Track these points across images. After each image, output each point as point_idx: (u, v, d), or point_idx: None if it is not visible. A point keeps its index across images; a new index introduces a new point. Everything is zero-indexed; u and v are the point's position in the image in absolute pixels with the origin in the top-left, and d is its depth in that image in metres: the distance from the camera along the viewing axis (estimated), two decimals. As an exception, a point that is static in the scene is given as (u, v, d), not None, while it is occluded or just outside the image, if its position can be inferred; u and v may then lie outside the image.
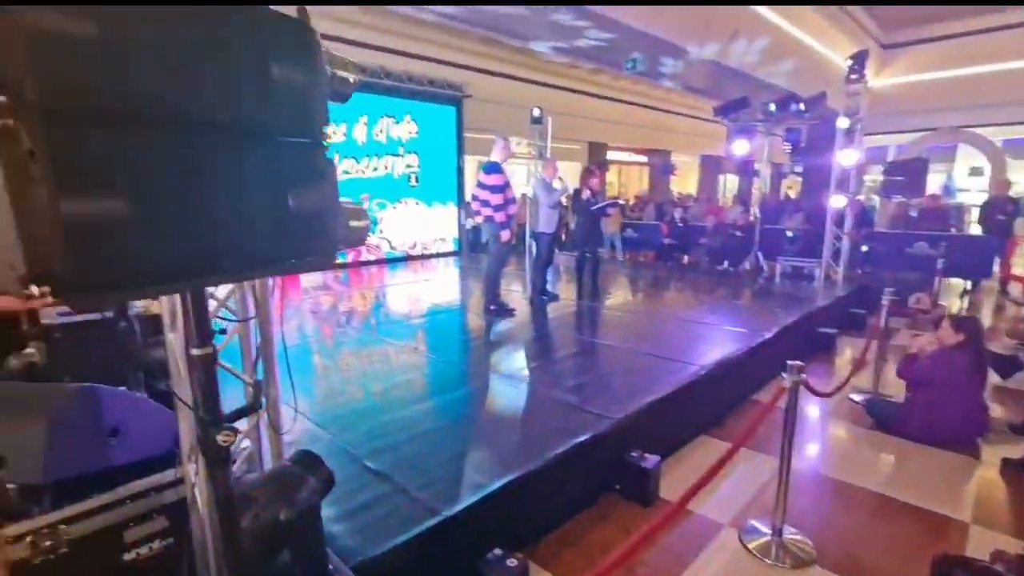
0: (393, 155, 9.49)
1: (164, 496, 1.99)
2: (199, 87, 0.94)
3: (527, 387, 3.63)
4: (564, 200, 6.22)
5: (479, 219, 5.44)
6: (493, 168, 5.33)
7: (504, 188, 5.29)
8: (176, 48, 0.90)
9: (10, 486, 1.62)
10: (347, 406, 3.31)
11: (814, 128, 8.91)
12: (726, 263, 9.47)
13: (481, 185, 5.44)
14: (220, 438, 1.06)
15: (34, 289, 0.78)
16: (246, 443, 2.10)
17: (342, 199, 2.02)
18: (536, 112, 10.79)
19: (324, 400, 3.42)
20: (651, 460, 2.95)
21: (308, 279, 7.99)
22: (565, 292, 6.86)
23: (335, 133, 8.63)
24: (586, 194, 6.38)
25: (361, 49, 9.20)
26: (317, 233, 1.24)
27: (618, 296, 7.03)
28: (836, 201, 7.16)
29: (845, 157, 7.09)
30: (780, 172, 20.42)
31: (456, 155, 10.58)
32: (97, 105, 0.82)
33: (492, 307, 5.59)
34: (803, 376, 2.48)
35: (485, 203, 5.34)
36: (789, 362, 2.52)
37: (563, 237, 11.36)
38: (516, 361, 4.25)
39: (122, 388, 2.09)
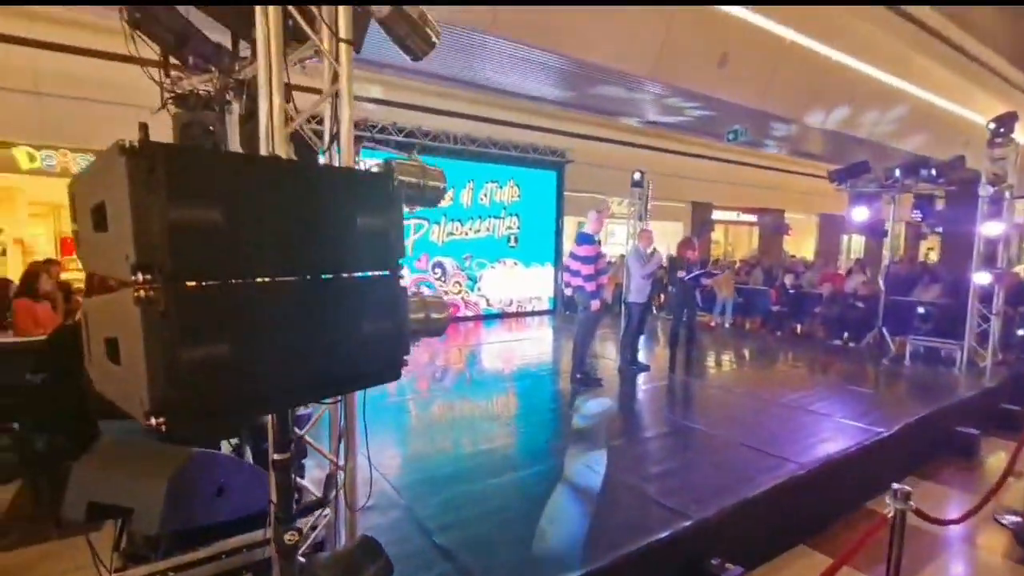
0: (496, 217, 10.00)
1: (254, 554, 2.22)
2: (301, 251, 1.15)
3: (604, 469, 3.54)
4: (663, 264, 6.13)
5: (569, 291, 5.54)
6: (585, 239, 5.43)
7: (595, 259, 5.36)
8: (282, 223, 1.11)
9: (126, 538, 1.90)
10: (426, 472, 3.45)
11: (954, 190, 8.02)
12: (845, 336, 8.61)
13: (573, 256, 5.56)
14: (287, 537, 1.20)
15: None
16: (328, 511, 2.29)
17: (426, 291, 2.22)
18: (637, 176, 10.92)
19: (406, 463, 3.59)
20: (733, 572, 2.72)
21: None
22: (659, 362, 6.64)
23: (444, 198, 9.30)
24: (682, 265, 6.23)
25: (472, 122, 9.97)
26: (387, 352, 1.40)
27: (716, 369, 6.66)
28: (980, 278, 6.30)
29: (990, 229, 6.28)
30: (918, 232, 18.41)
31: (555, 217, 10.89)
32: (217, 274, 1.03)
33: (579, 375, 5.56)
34: (911, 504, 2.19)
35: (576, 273, 5.44)
36: (896, 485, 2.24)
37: (661, 301, 11.07)
38: (596, 438, 4.17)
39: (230, 454, 2.38)
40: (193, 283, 1.00)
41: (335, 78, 1.95)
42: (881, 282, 7.71)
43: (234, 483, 2.21)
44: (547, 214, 10.79)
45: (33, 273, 4.77)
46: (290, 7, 1.85)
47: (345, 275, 1.26)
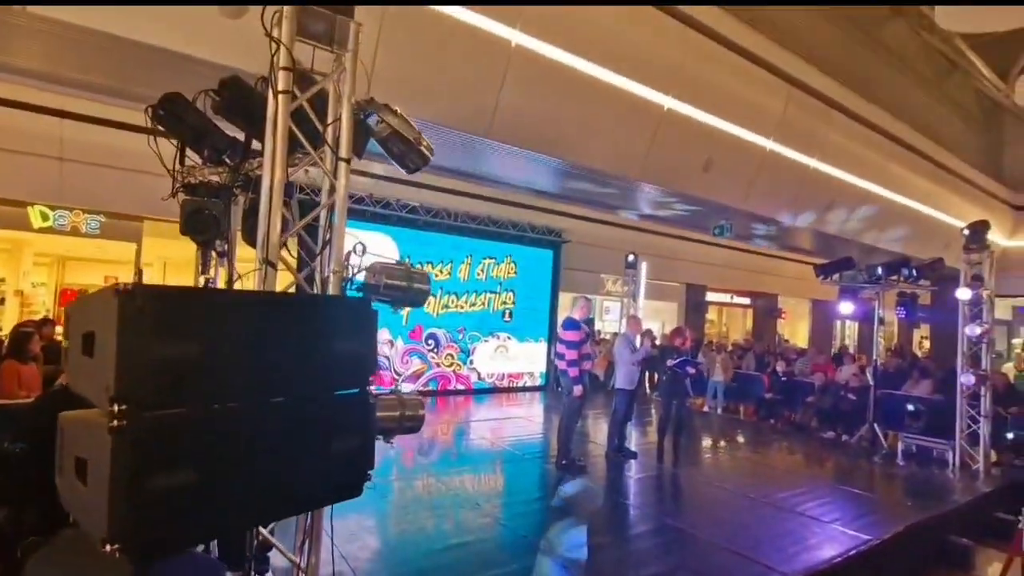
0: (491, 292, 10.15)
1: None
2: (278, 377, 1.22)
3: (584, 571, 3.42)
4: (651, 352, 6.18)
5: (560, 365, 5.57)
6: (571, 325, 5.52)
7: (580, 344, 5.42)
8: (261, 352, 1.19)
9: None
10: (398, 566, 3.33)
11: (936, 289, 8.22)
12: (838, 429, 8.51)
13: (559, 340, 5.62)
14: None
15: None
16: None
17: (404, 392, 2.25)
18: (631, 258, 11.25)
19: (377, 555, 3.47)
20: None
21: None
22: (647, 449, 6.54)
23: (441, 272, 9.51)
24: (672, 354, 6.27)
25: (472, 200, 10.36)
26: (352, 469, 1.43)
27: (706, 460, 6.54)
28: (965, 379, 6.34)
29: (971, 330, 6.40)
30: (912, 320, 18.58)
31: (551, 294, 11.05)
32: (191, 403, 1.10)
33: (563, 462, 5.47)
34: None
35: (560, 356, 5.48)
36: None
37: (654, 381, 11.00)
38: (575, 536, 4.04)
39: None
40: (165, 411, 1.06)
41: (332, 191, 2.10)
42: (870, 377, 7.72)
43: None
44: (543, 291, 10.95)
45: (23, 335, 4.80)
46: (294, 128, 2.03)
47: (319, 397, 1.32)
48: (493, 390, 10.15)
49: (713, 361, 10.63)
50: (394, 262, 2.36)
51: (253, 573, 2.06)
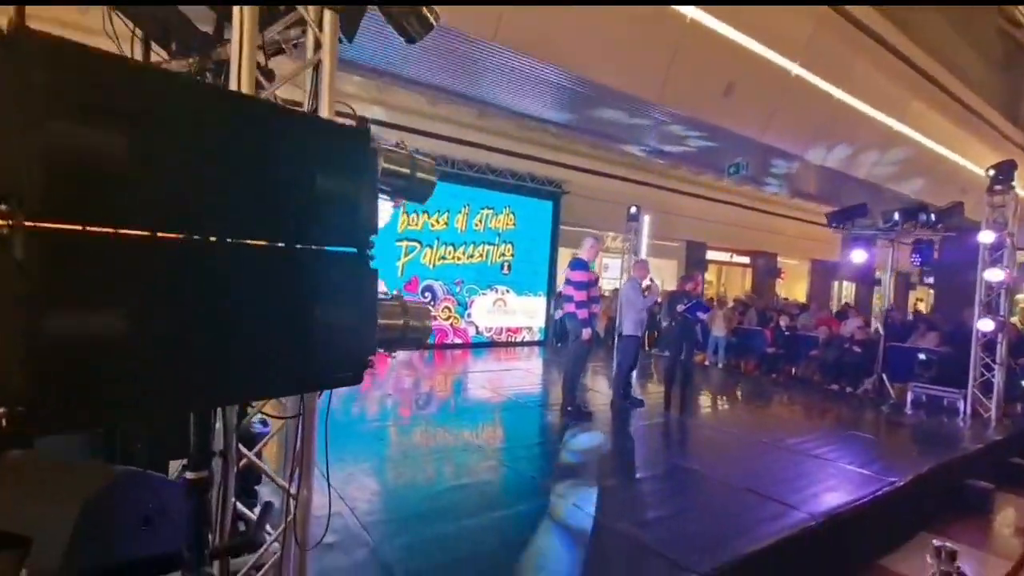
0: (490, 244, 9.80)
1: (184, 598, 1.86)
2: (233, 205, 0.89)
3: (595, 512, 3.21)
4: (659, 300, 5.89)
5: (559, 314, 5.27)
6: (579, 265, 5.22)
7: (588, 286, 5.13)
8: (211, 164, 0.85)
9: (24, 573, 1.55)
10: (397, 509, 3.10)
11: (949, 239, 7.96)
12: (842, 383, 8.38)
13: (567, 281, 5.33)
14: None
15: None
16: (276, 547, 1.95)
17: (409, 298, 1.93)
18: (633, 210, 10.82)
19: (376, 496, 3.24)
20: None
21: (395, 356, 8.15)
22: (652, 400, 6.34)
23: (438, 222, 9.12)
24: (682, 299, 5.99)
25: (471, 148, 9.90)
26: (347, 347, 1.12)
27: (713, 409, 6.37)
28: (984, 324, 6.13)
29: (991, 275, 6.15)
30: (908, 283, 18.43)
31: (550, 247, 10.71)
32: (110, 218, 0.76)
33: (569, 408, 5.25)
34: (958, 566, 1.89)
35: (568, 298, 5.21)
36: (936, 542, 1.95)
37: (655, 337, 10.81)
38: (585, 478, 3.84)
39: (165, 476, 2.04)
40: (73, 226, 0.73)
41: (317, 47, 1.73)
42: (880, 327, 7.52)
43: (169, 511, 1.87)
44: (542, 244, 10.61)
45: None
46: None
47: (297, 245, 1.00)
48: (491, 344, 9.92)
49: (714, 316, 10.43)
50: (394, 143, 1.99)
51: (234, 501, 1.77)
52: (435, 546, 2.68)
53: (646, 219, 11.00)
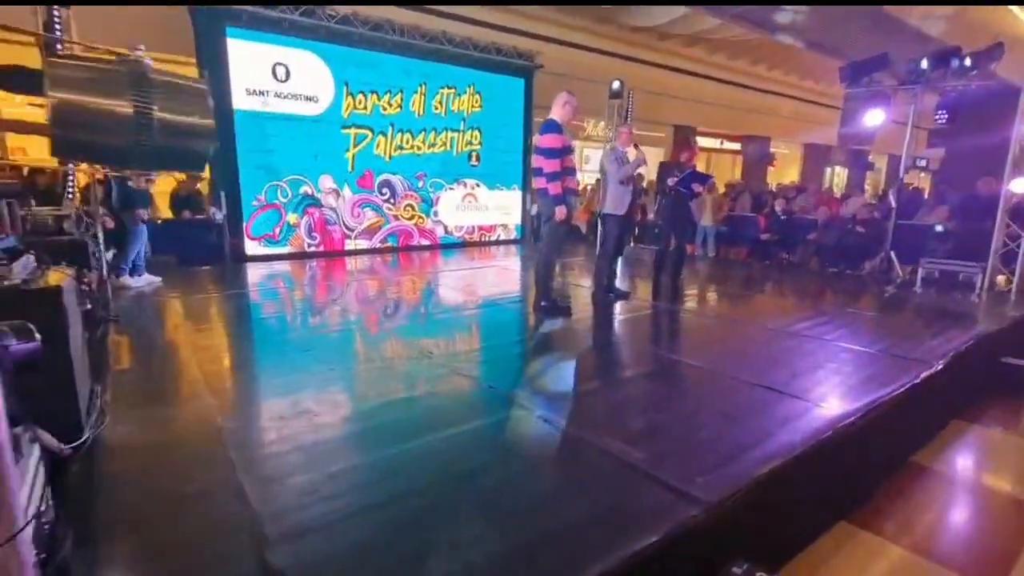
0: (454, 130, 8.54)
1: None
2: None
3: (568, 424, 2.45)
4: (642, 172, 4.90)
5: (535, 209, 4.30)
6: (549, 127, 4.18)
7: (561, 153, 4.12)
8: None
9: None
10: (315, 433, 2.31)
11: (964, 97, 6.87)
12: (842, 266, 7.70)
13: (535, 149, 4.31)
14: None
15: None
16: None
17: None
18: (616, 85, 9.50)
19: (292, 423, 2.43)
20: (769, 587, 1.68)
21: (354, 262, 7.31)
22: (640, 291, 5.58)
23: (389, 105, 7.79)
24: (671, 179, 5.00)
25: (422, 13, 8.32)
26: None
27: (706, 299, 5.63)
28: (1018, 186, 5.27)
29: (1033, 127, 5.19)
30: (900, 164, 17.54)
31: (523, 134, 9.46)
32: None
33: (544, 303, 4.44)
34: None
35: (538, 171, 4.21)
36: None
37: (639, 220, 9.92)
38: (561, 381, 3.08)
39: None
40: None
41: None
42: (893, 199, 6.66)
43: None
44: (514, 129, 9.34)
45: None
46: None
47: None
48: (463, 245, 9.00)
49: (703, 204, 9.51)
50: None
51: None
52: (353, 481, 1.90)
53: (632, 96, 9.75)
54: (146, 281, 5.46)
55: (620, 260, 5.18)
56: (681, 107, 13.42)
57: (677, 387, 3.03)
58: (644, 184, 4.96)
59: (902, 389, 2.88)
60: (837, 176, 19.79)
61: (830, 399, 2.74)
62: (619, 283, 5.28)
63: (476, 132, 8.77)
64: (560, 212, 4.16)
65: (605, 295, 5.00)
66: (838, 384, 2.97)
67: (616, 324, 4.41)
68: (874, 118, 6.20)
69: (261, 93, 6.78)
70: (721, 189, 11.17)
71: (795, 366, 3.26)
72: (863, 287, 6.36)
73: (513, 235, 9.71)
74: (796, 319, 4.43)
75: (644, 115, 11.66)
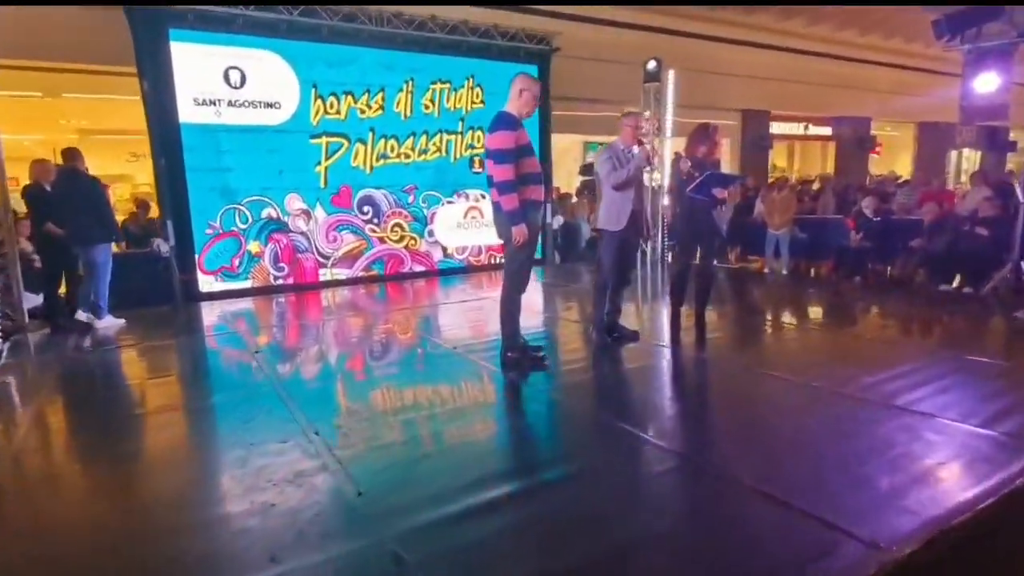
0: (450, 132, 8.22)
1: None
2: None
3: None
4: (649, 162, 4.30)
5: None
6: (500, 123, 3.71)
7: (517, 155, 3.60)
8: None
9: None
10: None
11: None
12: (959, 280, 6.65)
13: (485, 152, 3.83)
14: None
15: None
16: None
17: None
18: (651, 66, 8.88)
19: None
20: None
21: (331, 296, 7.19)
22: (653, 329, 4.91)
23: (368, 107, 7.55)
24: (686, 167, 4.33)
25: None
26: None
27: (750, 339, 4.85)
28: None
29: None
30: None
31: (539, 131, 8.91)
32: None
33: (509, 353, 3.89)
34: None
35: (489, 180, 3.71)
36: None
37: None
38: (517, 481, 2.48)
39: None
40: None
41: None
42: (1022, 190, 5.63)
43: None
44: (527, 126, 8.84)
45: None
46: None
47: None
48: (465, 270, 8.58)
49: (770, 204, 8.68)
50: None
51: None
52: None
53: (672, 76, 9.06)
54: (110, 323, 5.57)
55: (625, 288, 4.54)
56: (748, 87, 12.58)
57: (650, 488, 2.37)
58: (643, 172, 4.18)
59: (995, 501, 2.09)
60: (967, 161, 17.91)
61: (877, 525, 2.00)
62: (624, 319, 4.61)
63: (478, 133, 8.39)
64: (518, 233, 3.63)
65: (601, 336, 4.37)
66: (902, 496, 2.22)
67: (613, 384, 3.77)
68: (985, 83, 5.26)
69: (212, 103, 6.70)
70: (792, 182, 10.19)
71: (837, 459, 2.51)
72: (985, 313, 5.35)
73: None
74: (867, 369, 3.61)
75: (698, 100, 10.93)
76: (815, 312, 6.07)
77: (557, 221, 9.22)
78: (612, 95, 9.70)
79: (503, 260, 4.06)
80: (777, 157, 16.01)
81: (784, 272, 8.58)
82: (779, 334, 5.05)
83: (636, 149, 4.26)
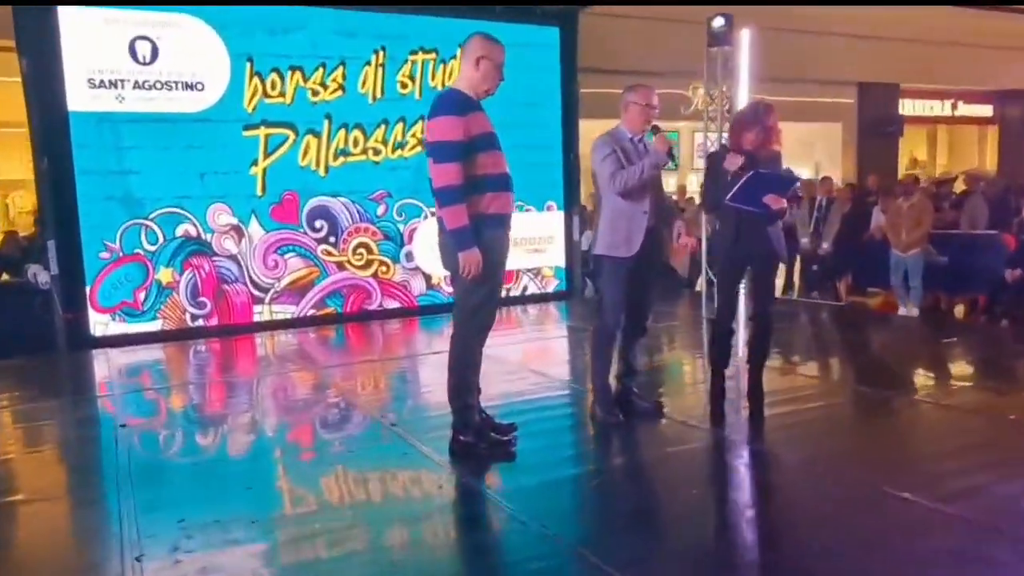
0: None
1: None
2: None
3: None
4: (666, 159, 4.02)
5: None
6: (443, 105, 3.56)
7: (465, 150, 3.42)
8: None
9: None
10: None
11: None
12: None
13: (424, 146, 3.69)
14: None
15: None
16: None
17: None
18: (718, 23, 8.71)
19: None
20: None
21: (270, 343, 7.22)
22: (684, 398, 4.69)
23: (323, 88, 7.59)
24: (733, 165, 3.99)
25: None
26: None
27: (859, 423, 4.45)
28: None
29: None
30: None
31: (561, 120, 8.99)
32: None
33: (462, 437, 3.62)
34: None
35: (430, 186, 3.53)
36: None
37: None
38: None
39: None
40: None
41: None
42: None
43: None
44: (546, 111, 8.86)
45: None
46: None
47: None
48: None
49: (896, 214, 8.37)
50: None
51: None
52: None
53: (747, 37, 8.86)
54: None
55: (641, 340, 4.25)
56: (868, 51, 12.38)
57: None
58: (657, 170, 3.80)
59: None
60: None
61: None
62: (636, 383, 4.31)
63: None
64: (467, 261, 3.38)
65: (609, 412, 4.05)
66: None
67: (609, 496, 3.42)
68: None
69: (113, 84, 6.81)
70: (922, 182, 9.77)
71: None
72: None
73: (552, 286, 9.18)
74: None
75: (788, 70, 10.73)
76: (961, 377, 5.62)
77: (586, 239, 9.03)
78: (662, 65, 9.64)
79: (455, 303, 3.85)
80: (914, 146, 15.65)
81: (914, 312, 8.22)
82: (902, 415, 4.58)
83: (650, 138, 4.01)
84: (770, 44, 9.20)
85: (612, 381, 4.19)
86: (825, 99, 12.84)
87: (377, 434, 4.28)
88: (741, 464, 3.75)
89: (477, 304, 3.59)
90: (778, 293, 10.03)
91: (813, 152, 14.10)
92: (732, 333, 4.28)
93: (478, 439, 3.62)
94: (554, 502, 3.22)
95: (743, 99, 9.06)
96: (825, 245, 9.18)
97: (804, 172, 12.73)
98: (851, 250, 9.21)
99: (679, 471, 3.60)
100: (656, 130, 3.98)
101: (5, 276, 6.99)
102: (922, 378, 5.59)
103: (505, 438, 3.69)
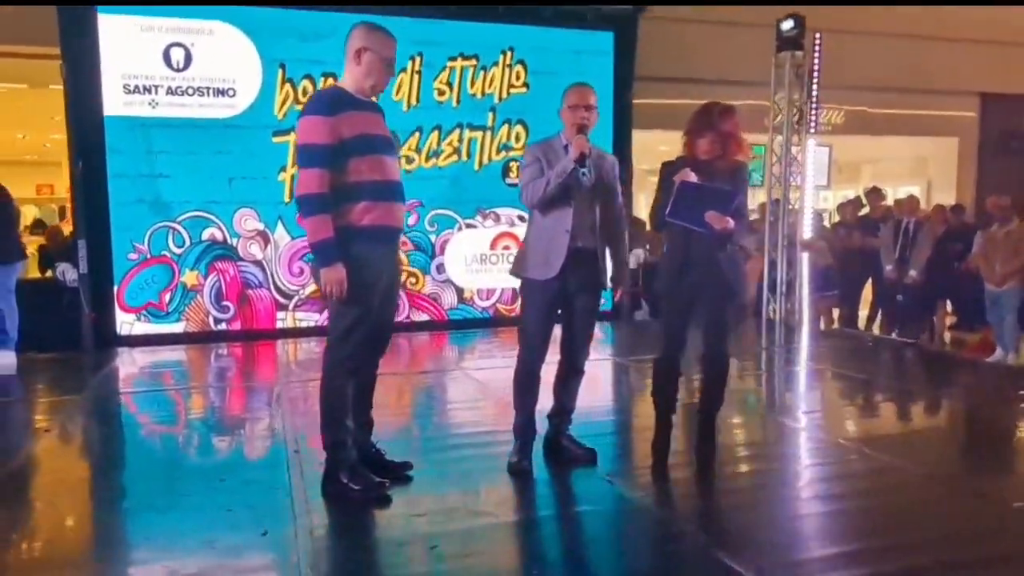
0: (475, 128, 8.03)
1: None
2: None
3: None
4: (585, 160, 3.34)
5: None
6: (310, 105, 3.16)
7: (332, 154, 2.93)
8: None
9: None
10: None
11: None
12: None
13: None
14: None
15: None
16: None
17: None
18: (788, 25, 7.91)
19: None
20: None
21: (291, 350, 7.23)
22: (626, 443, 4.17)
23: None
24: (681, 176, 3.28)
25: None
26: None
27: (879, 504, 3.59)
28: None
29: None
30: None
31: (612, 128, 8.36)
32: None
33: (336, 479, 3.13)
34: None
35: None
36: None
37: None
38: None
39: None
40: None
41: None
42: None
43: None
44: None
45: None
46: None
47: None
48: (491, 322, 8.22)
49: (992, 244, 7.22)
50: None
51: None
52: None
53: (820, 41, 8.11)
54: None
55: (576, 379, 3.61)
56: (989, 56, 10.93)
57: None
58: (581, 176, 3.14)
59: None
60: None
61: None
62: (567, 426, 3.67)
63: (517, 128, 8.15)
64: (328, 278, 2.89)
65: (521, 463, 3.44)
66: None
67: (456, 554, 2.83)
68: None
69: (147, 90, 6.93)
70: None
71: None
72: None
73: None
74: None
75: (876, 77, 9.66)
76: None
77: (636, 257, 8.34)
78: (727, 72, 8.82)
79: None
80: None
81: (1008, 358, 7.11)
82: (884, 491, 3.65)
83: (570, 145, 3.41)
84: (873, 50, 8.25)
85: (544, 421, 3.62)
86: (939, 112, 11.47)
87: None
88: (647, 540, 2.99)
89: (345, 329, 3.06)
90: (860, 325, 9.10)
91: (926, 169, 12.69)
92: (677, 372, 3.55)
93: (350, 476, 3.12)
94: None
95: (815, 111, 8.23)
96: (912, 273, 8.00)
97: (914, 191, 11.49)
98: (946, 280, 8.10)
99: (572, 534, 2.99)
100: (581, 129, 3.35)
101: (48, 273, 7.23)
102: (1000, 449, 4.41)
103: (383, 482, 3.16)
